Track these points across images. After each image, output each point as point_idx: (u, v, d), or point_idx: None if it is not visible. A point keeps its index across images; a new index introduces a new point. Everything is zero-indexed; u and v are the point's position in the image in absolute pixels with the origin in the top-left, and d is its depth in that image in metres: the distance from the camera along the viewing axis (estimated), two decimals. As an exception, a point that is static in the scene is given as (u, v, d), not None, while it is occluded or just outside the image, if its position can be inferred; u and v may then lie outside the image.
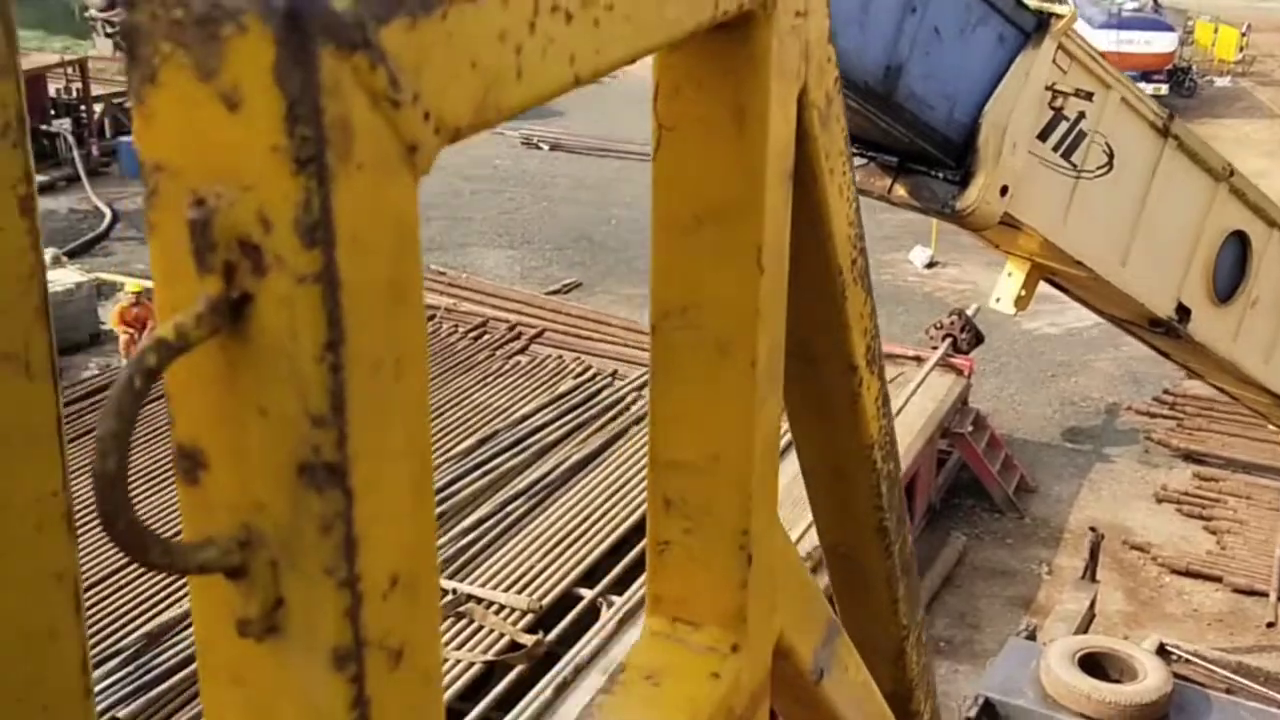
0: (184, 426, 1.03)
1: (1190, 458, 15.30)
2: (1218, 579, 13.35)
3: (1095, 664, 9.91)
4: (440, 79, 1.04)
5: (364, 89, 0.96)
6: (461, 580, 10.95)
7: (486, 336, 15.59)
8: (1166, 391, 16.41)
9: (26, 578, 1.46)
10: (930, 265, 21.23)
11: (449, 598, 10.66)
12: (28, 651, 1.48)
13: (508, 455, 12.88)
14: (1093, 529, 11.58)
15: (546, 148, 27.59)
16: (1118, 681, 10.03)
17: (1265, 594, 13.03)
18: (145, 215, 0.99)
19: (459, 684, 9.70)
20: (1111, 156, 8.45)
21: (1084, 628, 10.70)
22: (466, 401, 13.95)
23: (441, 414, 13.52)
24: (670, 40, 1.40)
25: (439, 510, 12.29)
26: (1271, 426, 10.11)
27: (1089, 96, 7.91)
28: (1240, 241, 9.19)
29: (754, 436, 1.79)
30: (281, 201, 0.94)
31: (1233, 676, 10.72)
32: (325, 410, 0.98)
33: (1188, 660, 10.88)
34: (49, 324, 1.41)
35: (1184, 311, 9.27)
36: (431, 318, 15.79)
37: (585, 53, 1.23)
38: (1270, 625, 12.75)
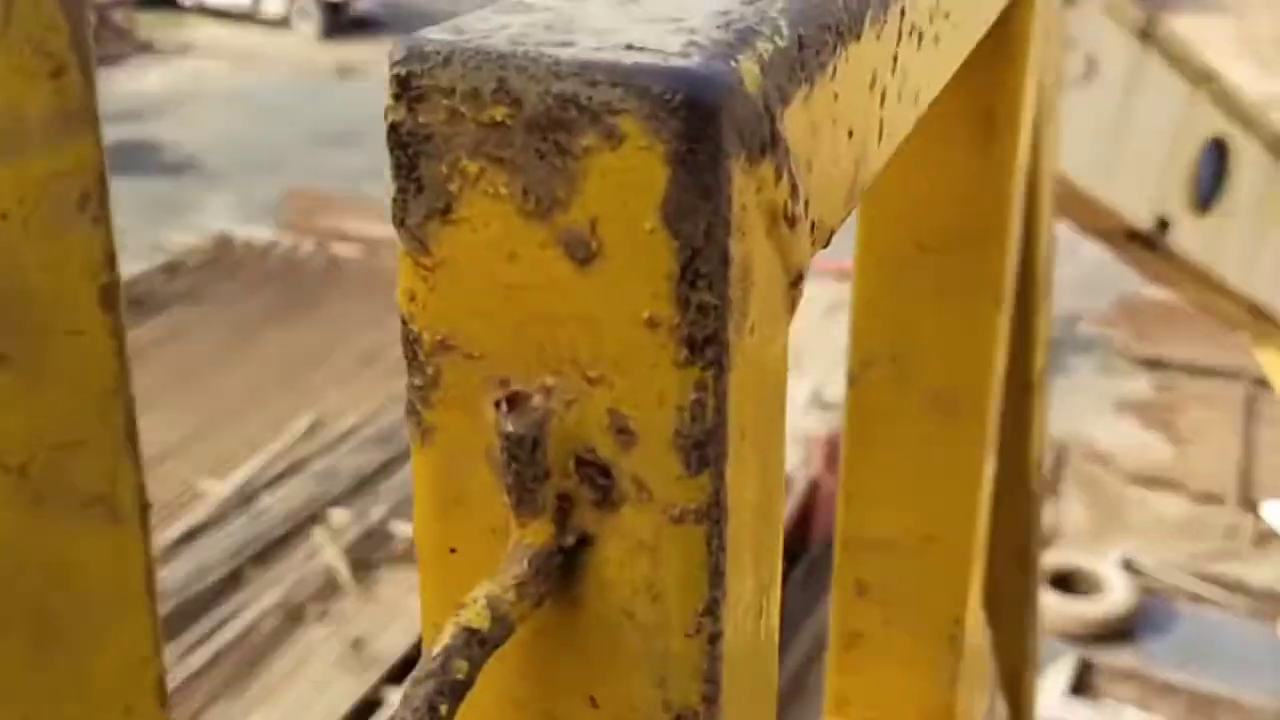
0: None
1: (1151, 364, 15.22)
2: (1179, 487, 13.32)
3: (1061, 580, 9.85)
4: (824, 166, 0.68)
5: (765, 211, 0.60)
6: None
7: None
8: (1125, 298, 16.29)
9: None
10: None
11: (403, 543, 10.36)
12: None
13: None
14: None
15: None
16: (1085, 596, 9.98)
17: (1224, 501, 13.04)
18: (412, 414, 0.62)
19: (419, 632, 9.41)
20: (1091, 64, 8.18)
21: (1047, 543, 10.64)
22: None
23: (386, 353, 13.12)
24: (973, 44, 1.05)
25: (387, 454, 11.96)
26: (1244, 337, 10.00)
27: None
28: (1219, 149, 8.96)
29: (977, 511, 1.46)
30: (655, 403, 0.58)
31: (1197, 585, 10.71)
32: (696, 702, 0.63)
33: (1152, 573, 10.86)
34: (137, 452, 1.04)
35: (1163, 223, 9.07)
36: (372, 250, 15.29)
37: (929, 84, 0.87)
38: (1231, 532, 12.76)
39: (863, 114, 0.73)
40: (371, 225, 16.20)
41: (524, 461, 0.59)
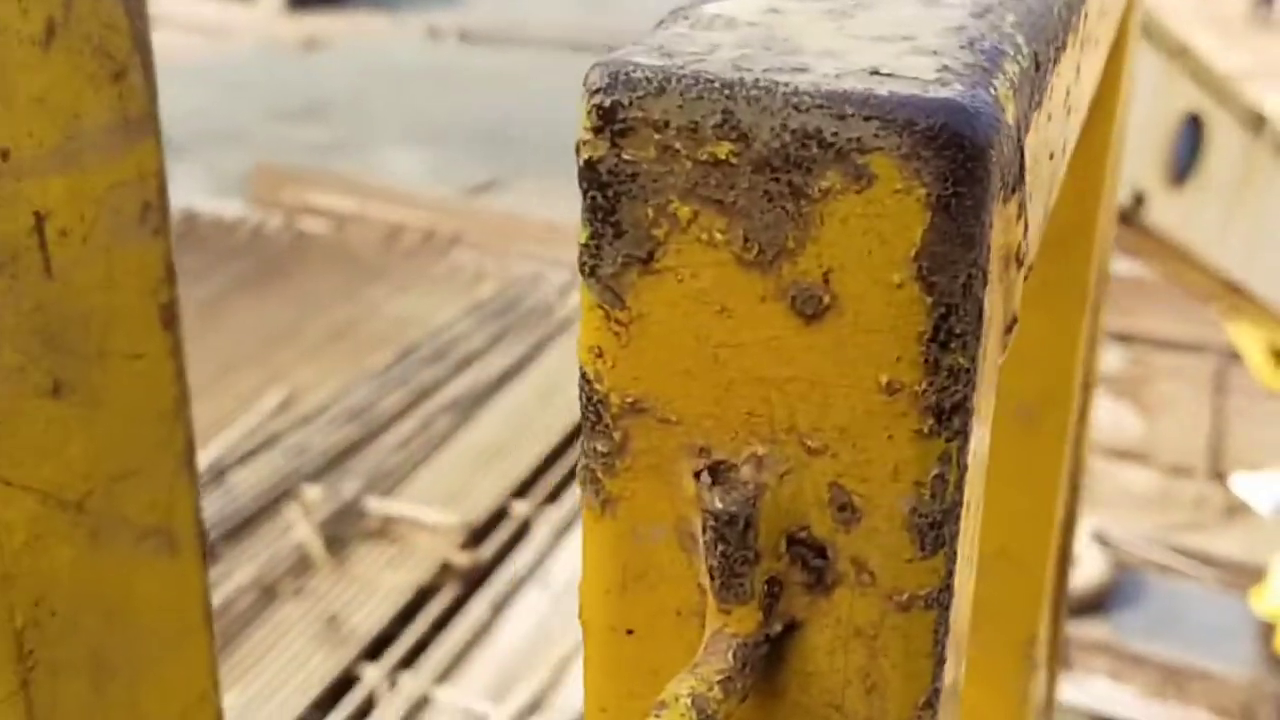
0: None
1: (1122, 339, 15.25)
2: (1149, 460, 13.37)
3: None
4: (1038, 195, 0.60)
5: (1001, 255, 0.53)
6: (389, 500, 10.57)
7: (398, 242, 14.96)
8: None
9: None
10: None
11: (376, 519, 10.29)
12: None
13: (428, 368, 12.41)
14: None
15: (454, 39, 26.43)
16: (1058, 570, 10.03)
17: (1194, 473, 13.09)
18: (591, 482, 0.55)
19: (391, 607, 9.39)
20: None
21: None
22: (380, 314, 13.39)
23: (357, 328, 12.97)
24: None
25: (359, 431, 11.85)
26: (1215, 311, 10.04)
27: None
28: (1194, 123, 8.97)
29: (1053, 523, 1.40)
30: (889, 477, 0.51)
31: (1167, 557, 10.74)
32: None
33: (1123, 546, 10.88)
34: (195, 477, 0.96)
35: (1139, 197, 9.08)
36: (339, 224, 15.11)
37: (1090, 90, 0.80)
38: (1200, 504, 12.81)
39: (1059, 134, 0.66)
40: (339, 200, 16.02)
41: (733, 542, 0.51)
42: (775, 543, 0.53)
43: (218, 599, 9.83)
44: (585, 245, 0.52)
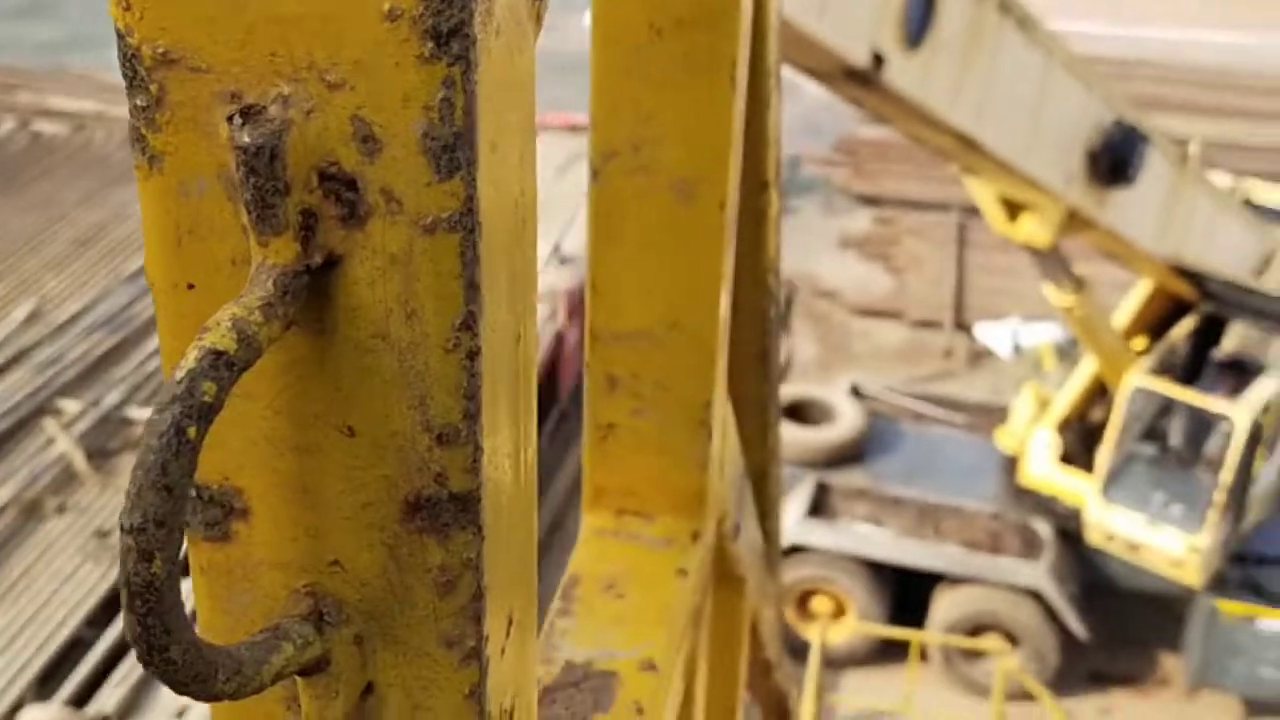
0: (211, 462, 0.66)
1: (869, 201, 15.73)
2: (898, 315, 13.91)
3: (796, 411, 10.21)
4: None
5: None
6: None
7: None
8: (844, 139, 16.71)
9: None
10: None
11: (142, 428, 10.03)
12: None
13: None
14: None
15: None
16: (817, 425, 10.38)
17: (941, 325, 13.68)
18: (137, 140, 0.58)
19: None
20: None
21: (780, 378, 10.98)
22: (133, 216, 12.93)
23: (107, 232, 12.50)
24: None
25: (118, 338, 11.47)
26: (955, 167, 10.43)
27: None
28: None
29: (718, 299, 1.48)
30: (400, 105, 0.56)
31: (919, 405, 11.24)
32: (458, 419, 0.62)
33: (877, 397, 11.33)
34: None
35: (878, 59, 9.30)
36: (80, 127, 14.42)
37: None
38: (948, 354, 13.41)
39: None
40: (77, 100, 15.30)
41: (262, 174, 0.56)
42: (306, 176, 0.57)
43: (-25, 519, 9.51)
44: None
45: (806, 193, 16.01)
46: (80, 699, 8.07)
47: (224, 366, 0.55)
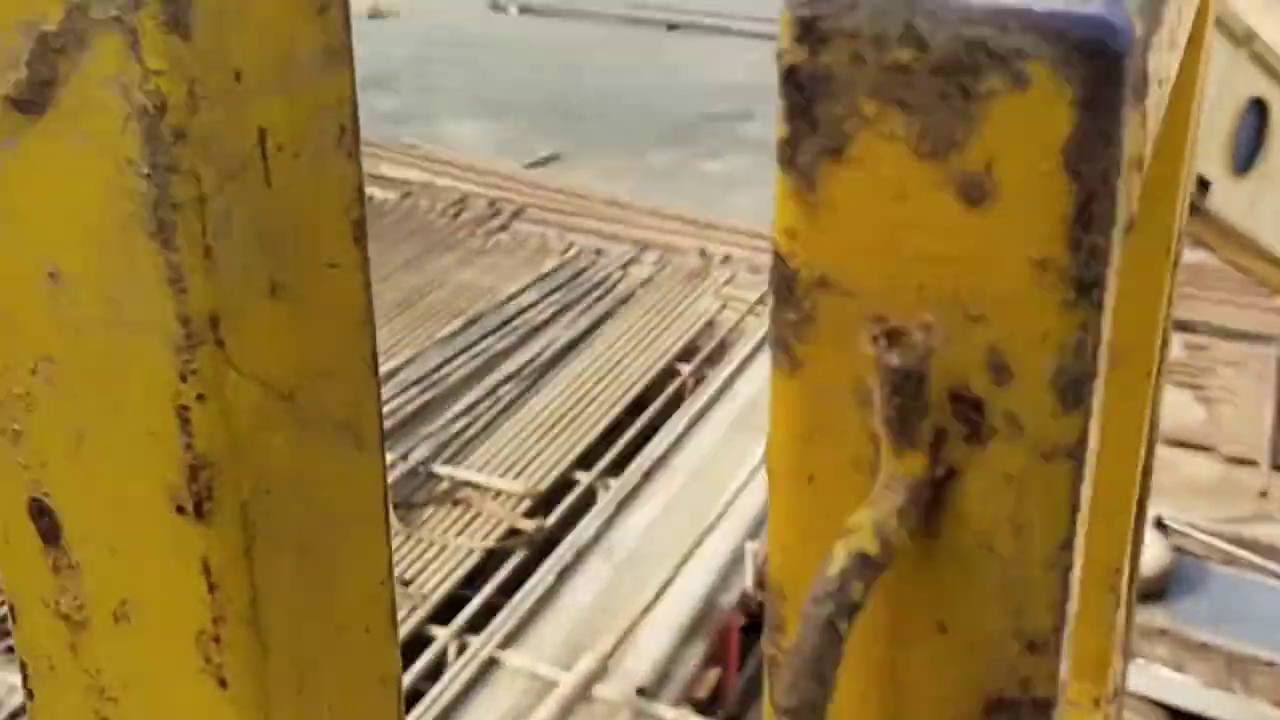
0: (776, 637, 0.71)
1: (1182, 326, 15.15)
2: (1210, 449, 13.31)
3: (1095, 539, 9.89)
4: (1154, 115, 0.70)
5: (1129, 153, 0.62)
6: (457, 466, 10.73)
7: (465, 214, 15.09)
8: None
9: (353, 683, 1.14)
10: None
11: (445, 484, 10.46)
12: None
13: (494, 337, 12.55)
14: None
15: (515, 10, 26.54)
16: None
17: (1257, 464, 13.02)
18: (781, 348, 0.65)
19: (460, 571, 9.53)
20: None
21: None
22: (449, 282, 13.53)
23: (425, 297, 13.13)
24: None
25: (427, 397, 12.01)
26: (1277, 299, 9.98)
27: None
28: (1259, 110, 8.91)
29: (1137, 458, 1.48)
30: (1037, 342, 0.61)
31: (1229, 547, 10.72)
32: (1048, 630, 0.67)
33: (1185, 533, 10.86)
34: (378, 382, 1.08)
35: (1204, 184, 9.04)
36: (407, 194, 15.25)
37: (1187, 26, 0.89)
38: (1263, 494, 12.75)
39: (1167, 61, 0.75)
40: (405, 169, 16.17)
41: (907, 395, 0.61)
42: (939, 398, 0.63)
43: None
44: (783, 140, 0.62)
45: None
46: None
47: (869, 568, 0.60)
